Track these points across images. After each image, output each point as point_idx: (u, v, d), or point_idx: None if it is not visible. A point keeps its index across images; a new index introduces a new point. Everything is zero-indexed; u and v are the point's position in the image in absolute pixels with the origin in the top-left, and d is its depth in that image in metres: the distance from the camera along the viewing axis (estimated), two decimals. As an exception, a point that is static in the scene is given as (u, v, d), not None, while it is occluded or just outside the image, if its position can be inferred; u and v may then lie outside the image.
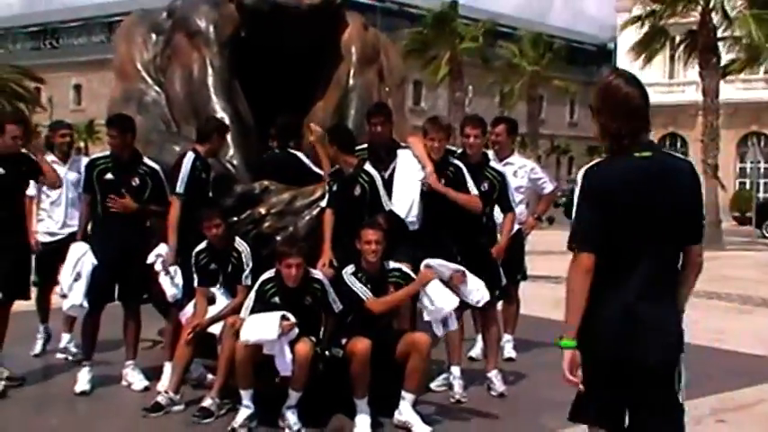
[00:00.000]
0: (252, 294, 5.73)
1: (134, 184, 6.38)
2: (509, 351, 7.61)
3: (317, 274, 5.78)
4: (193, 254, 6.10)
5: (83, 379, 6.31)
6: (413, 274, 5.81)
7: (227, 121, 6.90)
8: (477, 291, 5.89)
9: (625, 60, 33.19)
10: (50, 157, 7.03)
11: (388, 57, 8.22)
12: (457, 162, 6.38)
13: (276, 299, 5.65)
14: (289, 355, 5.42)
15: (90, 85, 56.73)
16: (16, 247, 6.43)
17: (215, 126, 6.46)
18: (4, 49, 47.96)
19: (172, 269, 6.17)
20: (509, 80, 39.57)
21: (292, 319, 5.45)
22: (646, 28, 25.56)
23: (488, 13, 45.85)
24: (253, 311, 5.63)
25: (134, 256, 6.25)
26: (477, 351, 7.50)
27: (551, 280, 14.11)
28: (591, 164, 3.49)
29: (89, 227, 6.53)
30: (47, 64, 57.35)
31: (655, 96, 37.62)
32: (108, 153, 6.52)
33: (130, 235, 6.34)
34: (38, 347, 7.36)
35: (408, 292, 5.73)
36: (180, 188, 6.17)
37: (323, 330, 5.76)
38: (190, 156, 6.25)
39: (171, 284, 6.17)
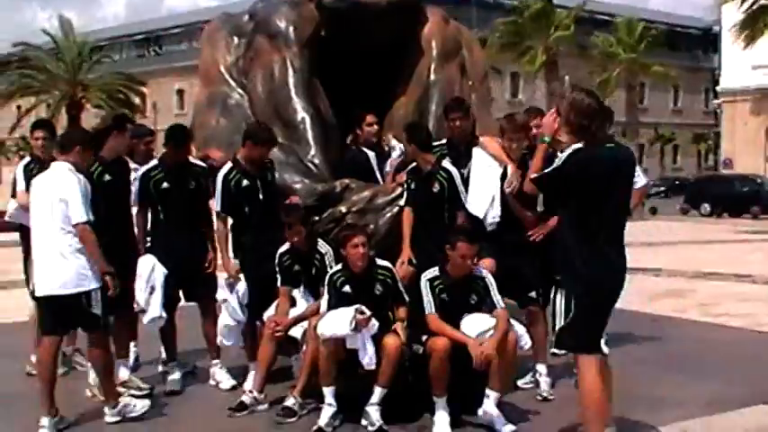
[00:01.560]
0: (326, 288, 5.76)
1: (191, 187, 6.49)
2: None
3: (384, 262, 5.77)
4: (277, 254, 6.15)
5: (172, 379, 6.47)
6: (494, 290, 5.67)
7: (307, 120, 6.93)
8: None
9: (729, 43, 31.98)
10: (132, 165, 6.70)
11: (471, 50, 8.08)
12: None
13: (347, 287, 5.68)
14: (371, 349, 5.42)
15: (192, 89, 57.94)
16: (126, 263, 6.20)
17: (247, 133, 6.41)
18: (110, 59, 49.58)
19: (239, 290, 6.31)
20: (606, 68, 38.54)
21: (368, 312, 5.43)
22: (747, 6, 24.52)
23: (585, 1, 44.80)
24: (329, 304, 5.66)
25: (199, 257, 6.44)
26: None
27: (650, 272, 13.72)
28: (575, 148, 4.70)
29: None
30: (151, 70, 59.21)
31: (764, 79, 35.98)
32: (157, 163, 6.55)
33: (193, 238, 6.49)
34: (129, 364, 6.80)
35: (466, 344, 5.41)
36: (218, 206, 6.35)
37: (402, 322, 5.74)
38: (223, 170, 6.36)
39: (240, 309, 6.34)
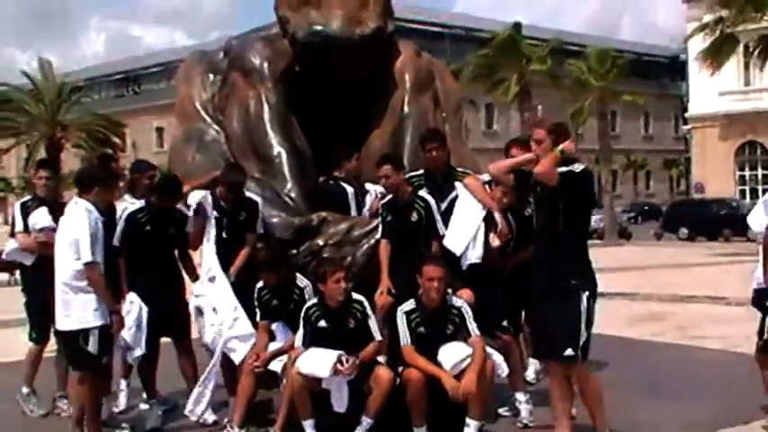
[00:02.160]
0: (301, 322, 5.78)
1: (171, 232, 6.55)
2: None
3: (359, 296, 5.80)
4: (256, 289, 6.17)
5: (152, 415, 6.44)
6: (469, 319, 5.69)
7: (283, 155, 6.99)
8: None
9: (696, 71, 32.48)
10: (131, 200, 6.82)
11: (444, 81, 8.17)
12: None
13: (322, 322, 5.70)
14: (345, 394, 5.47)
15: (171, 127, 58.02)
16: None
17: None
18: (89, 99, 49.49)
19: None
20: (578, 97, 38.82)
21: (349, 362, 5.45)
22: (714, 36, 24.95)
23: (555, 32, 45.29)
24: (304, 339, 5.69)
25: (175, 296, 6.56)
26: (530, 374, 7.35)
27: (626, 297, 13.82)
28: (583, 166, 5.36)
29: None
30: (130, 109, 59.20)
31: (731, 105, 36.89)
32: (143, 205, 6.58)
33: (169, 277, 6.56)
34: (122, 403, 6.96)
35: (439, 378, 5.46)
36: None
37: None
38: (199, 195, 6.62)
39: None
